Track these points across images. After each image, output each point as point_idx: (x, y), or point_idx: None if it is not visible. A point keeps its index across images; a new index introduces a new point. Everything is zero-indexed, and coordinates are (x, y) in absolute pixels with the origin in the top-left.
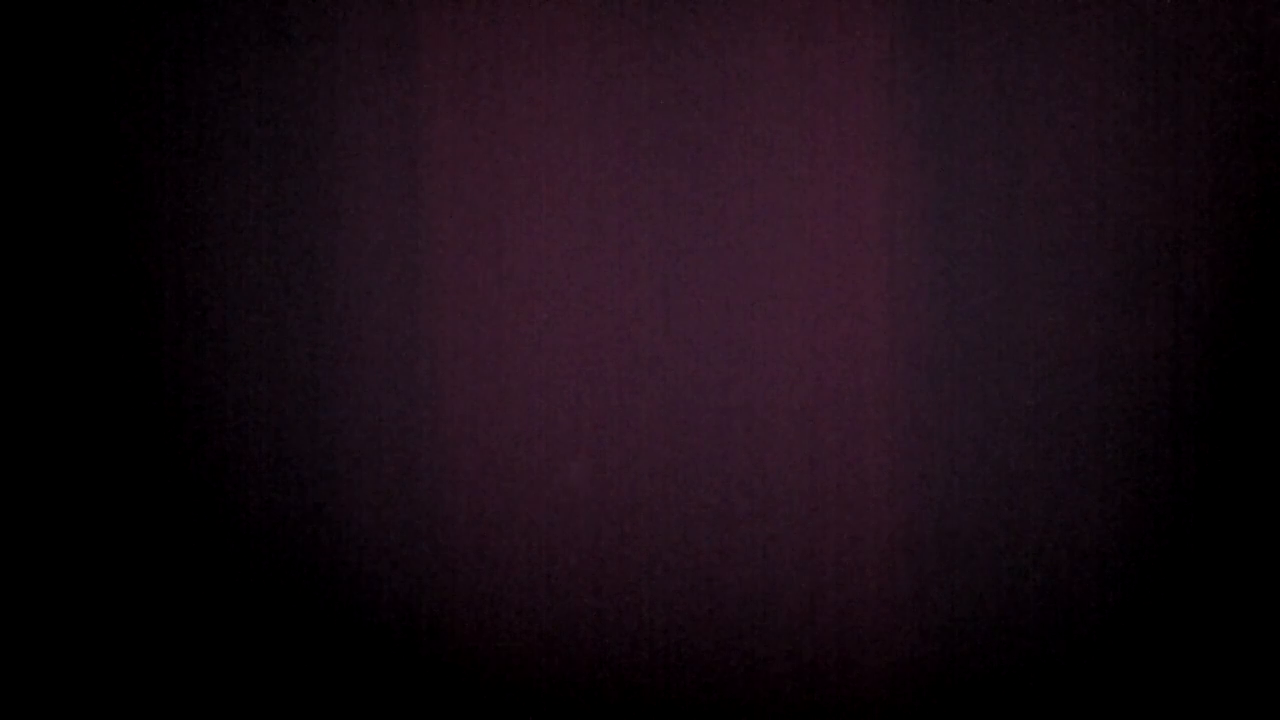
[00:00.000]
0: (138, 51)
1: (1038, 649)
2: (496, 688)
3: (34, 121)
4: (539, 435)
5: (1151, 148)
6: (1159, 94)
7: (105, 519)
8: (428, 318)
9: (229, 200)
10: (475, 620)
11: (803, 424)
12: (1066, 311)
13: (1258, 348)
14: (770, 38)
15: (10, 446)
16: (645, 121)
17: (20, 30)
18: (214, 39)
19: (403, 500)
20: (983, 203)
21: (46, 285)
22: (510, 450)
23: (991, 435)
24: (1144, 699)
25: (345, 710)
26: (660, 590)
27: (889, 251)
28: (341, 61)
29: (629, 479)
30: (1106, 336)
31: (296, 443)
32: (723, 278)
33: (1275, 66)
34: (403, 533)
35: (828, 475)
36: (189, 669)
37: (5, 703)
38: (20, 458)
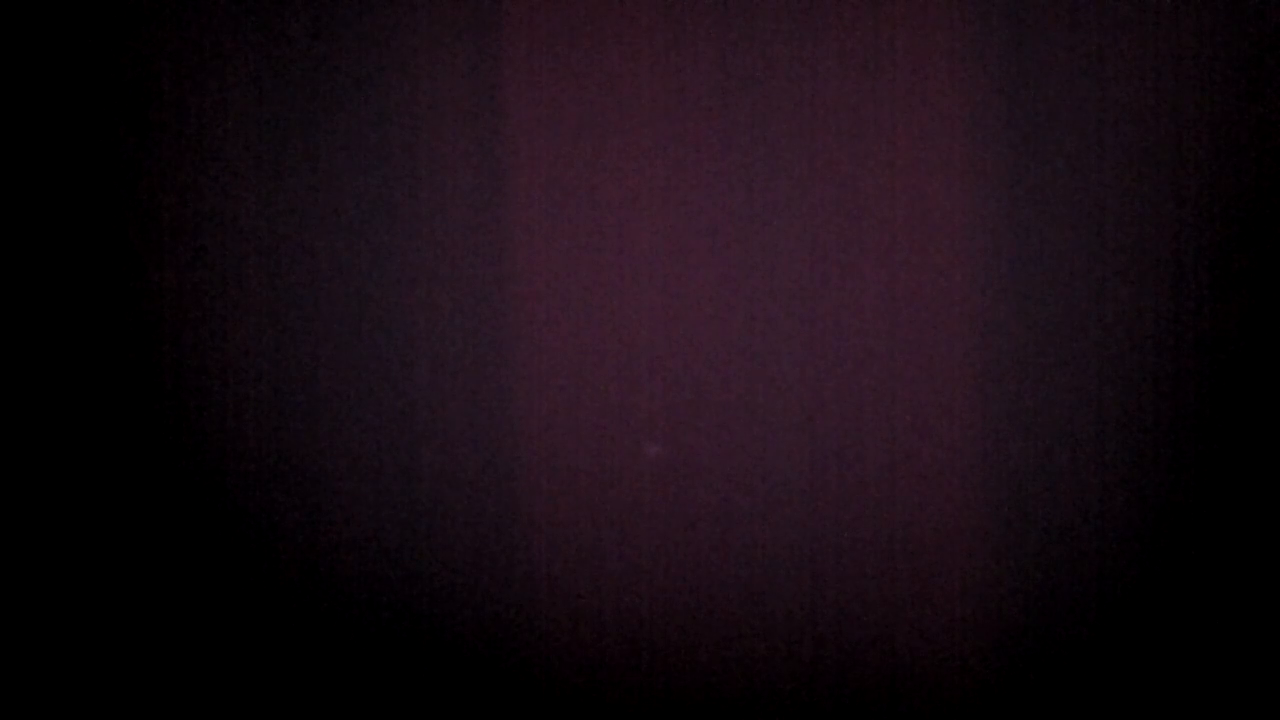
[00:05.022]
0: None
1: (1048, 653)
2: (538, 682)
3: (53, 118)
4: (616, 422)
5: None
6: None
7: (112, 520)
8: (508, 305)
9: (311, 190)
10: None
11: (877, 415)
12: (1140, 311)
13: None
14: (848, 25)
15: (10, 446)
16: (724, 109)
17: (22, 30)
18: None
19: (477, 482)
20: (1064, 193)
21: (63, 283)
22: (587, 436)
23: (1065, 432)
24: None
25: (413, 699)
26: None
27: (967, 245)
28: (421, 48)
29: (708, 467)
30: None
31: (374, 425)
32: (800, 268)
33: None
34: (475, 515)
35: (901, 465)
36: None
37: (5, 703)
38: (20, 458)
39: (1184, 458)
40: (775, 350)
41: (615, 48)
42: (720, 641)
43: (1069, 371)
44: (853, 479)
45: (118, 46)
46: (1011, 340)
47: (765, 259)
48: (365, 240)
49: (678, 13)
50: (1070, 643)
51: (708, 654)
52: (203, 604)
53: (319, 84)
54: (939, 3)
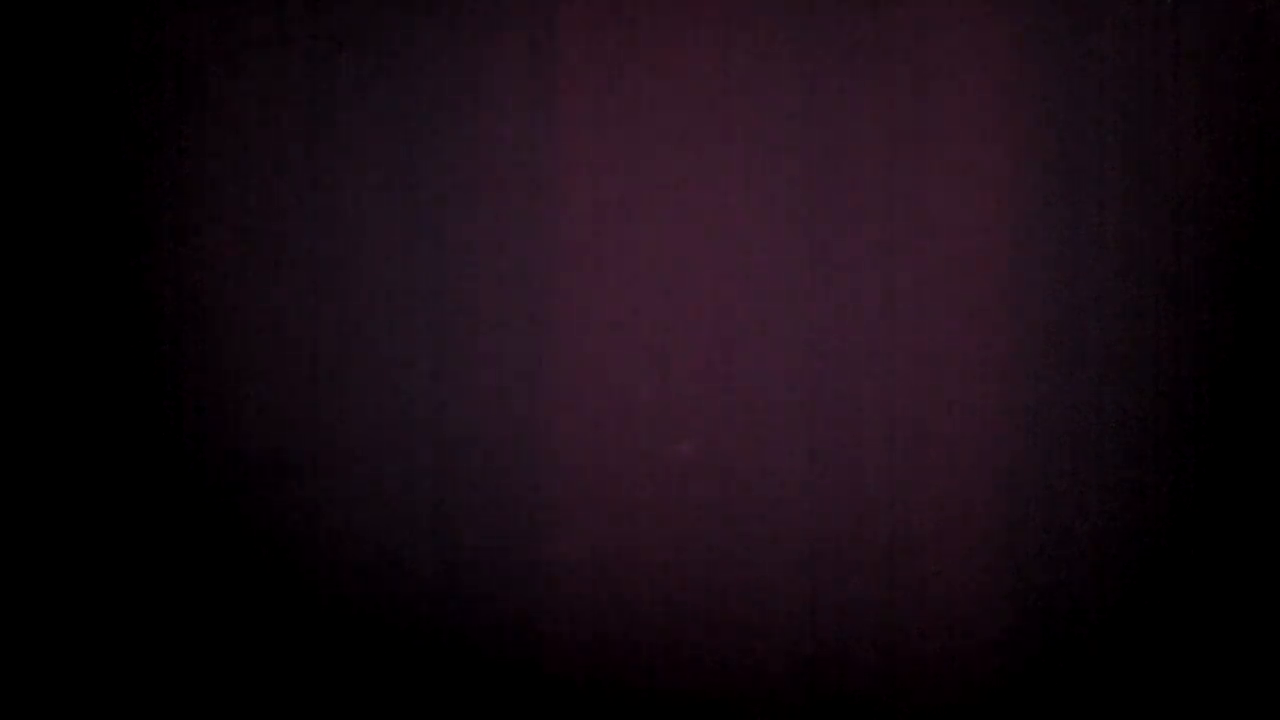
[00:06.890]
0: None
1: (1043, 653)
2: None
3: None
4: (650, 419)
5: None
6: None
7: (116, 520)
8: (544, 305)
9: (365, 193)
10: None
11: (912, 410)
12: (1188, 316)
13: None
14: (894, 34)
15: (10, 447)
16: (770, 115)
17: (35, 26)
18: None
19: (505, 480)
20: (1105, 200)
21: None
22: (620, 431)
23: (1066, 432)
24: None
25: (443, 692)
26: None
27: (1008, 252)
28: (478, 56)
29: (741, 464)
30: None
31: (408, 419)
32: (839, 270)
33: None
34: (506, 508)
35: (933, 469)
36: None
37: (5, 703)
38: (20, 458)
39: (1186, 459)
40: (809, 350)
41: (663, 48)
42: (740, 638)
43: (1070, 372)
44: (883, 474)
45: (117, 46)
46: (1012, 341)
47: (802, 260)
48: (401, 237)
49: (727, 15)
50: (1071, 643)
51: (735, 650)
52: (205, 603)
53: (357, 80)
54: (962, 8)
